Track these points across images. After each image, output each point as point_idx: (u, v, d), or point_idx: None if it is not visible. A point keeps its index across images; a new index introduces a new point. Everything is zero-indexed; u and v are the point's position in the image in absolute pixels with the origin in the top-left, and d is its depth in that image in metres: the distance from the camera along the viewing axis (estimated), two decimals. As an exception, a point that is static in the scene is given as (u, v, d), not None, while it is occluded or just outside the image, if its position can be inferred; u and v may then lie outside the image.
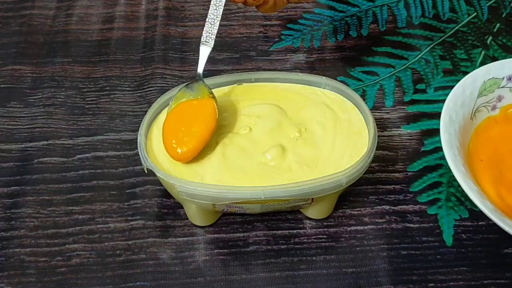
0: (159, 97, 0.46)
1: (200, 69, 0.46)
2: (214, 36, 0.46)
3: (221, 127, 0.45)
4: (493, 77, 0.45)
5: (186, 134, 0.42)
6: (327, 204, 0.45)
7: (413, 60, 0.59)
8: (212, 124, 0.43)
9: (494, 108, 0.46)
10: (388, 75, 0.57)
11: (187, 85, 0.45)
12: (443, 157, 0.50)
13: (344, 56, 0.59)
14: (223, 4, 0.45)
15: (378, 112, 0.54)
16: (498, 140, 0.45)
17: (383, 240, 0.45)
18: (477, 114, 0.44)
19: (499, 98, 0.45)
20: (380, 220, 0.46)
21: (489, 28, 0.62)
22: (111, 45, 0.60)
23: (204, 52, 0.46)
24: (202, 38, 0.46)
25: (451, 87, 0.54)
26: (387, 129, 0.53)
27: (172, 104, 0.44)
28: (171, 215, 0.46)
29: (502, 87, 0.45)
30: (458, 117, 0.43)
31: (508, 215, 0.39)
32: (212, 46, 0.46)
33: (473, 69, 0.57)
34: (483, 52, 0.59)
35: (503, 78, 0.45)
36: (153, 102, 0.45)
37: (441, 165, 0.50)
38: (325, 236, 0.45)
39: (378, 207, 0.47)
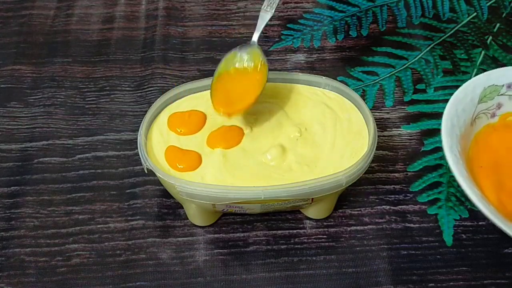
0: (159, 97, 0.46)
1: (257, 35, 0.46)
2: (276, 5, 0.46)
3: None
4: (493, 84, 0.45)
5: (232, 95, 0.44)
6: (327, 204, 0.45)
7: (413, 60, 0.59)
8: (258, 89, 0.45)
9: (493, 115, 0.45)
10: (388, 75, 0.57)
11: (240, 47, 0.46)
12: (443, 157, 0.50)
13: (344, 56, 0.59)
14: None
15: (378, 112, 0.54)
16: (497, 147, 0.44)
17: (383, 240, 0.45)
18: (477, 120, 0.44)
19: (499, 106, 0.45)
20: (380, 220, 0.46)
21: (489, 28, 0.62)
22: (111, 45, 0.60)
23: (265, 17, 0.46)
24: (263, 6, 0.47)
25: (451, 87, 0.54)
26: (387, 129, 0.53)
27: (222, 65, 0.46)
28: (171, 215, 0.46)
29: (501, 94, 0.45)
30: (460, 122, 0.43)
31: (510, 220, 0.38)
32: (273, 13, 0.46)
33: (473, 69, 0.57)
34: (483, 52, 0.59)
35: (503, 85, 0.45)
36: (153, 102, 0.45)
37: (441, 165, 0.50)
38: (325, 236, 0.45)
39: (378, 207, 0.47)
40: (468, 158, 0.42)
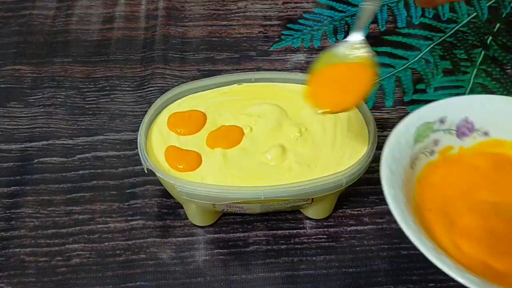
0: (159, 97, 0.46)
1: (361, 27, 0.42)
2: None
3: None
4: (425, 122, 0.42)
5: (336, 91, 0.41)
6: (327, 204, 0.45)
7: (413, 60, 0.59)
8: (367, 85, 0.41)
9: (432, 153, 0.43)
10: (388, 75, 0.57)
11: (342, 42, 0.43)
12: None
13: (344, 56, 0.59)
14: None
15: (378, 112, 0.54)
16: (442, 185, 0.42)
17: (383, 240, 0.45)
18: (416, 162, 0.42)
19: (436, 142, 0.43)
20: (380, 220, 0.46)
21: (489, 28, 0.62)
22: (111, 45, 0.60)
23: (368, 10, 0.42)
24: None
25: (451, 87, 0.54)
26: (387, 129, 0.52)
27: (323, 59, 0.42)
28: (171, 215, 0.46)
29: (436, 130, 0.43)
30: (398, 168, 0.40)
31: (467, 267, 0.36)
32: (377, 6, 0.42)
33: (473, 69, 0.57)
34: (483, 52, 0.59)
35: (435, 121, 0.43)
36: (153, 102, 0.45)
37: (441, 165, 0.50)
38: (325, 236, 0.45)
39: (378, 207, 0.47)
40: (414, 203, 0.40)
